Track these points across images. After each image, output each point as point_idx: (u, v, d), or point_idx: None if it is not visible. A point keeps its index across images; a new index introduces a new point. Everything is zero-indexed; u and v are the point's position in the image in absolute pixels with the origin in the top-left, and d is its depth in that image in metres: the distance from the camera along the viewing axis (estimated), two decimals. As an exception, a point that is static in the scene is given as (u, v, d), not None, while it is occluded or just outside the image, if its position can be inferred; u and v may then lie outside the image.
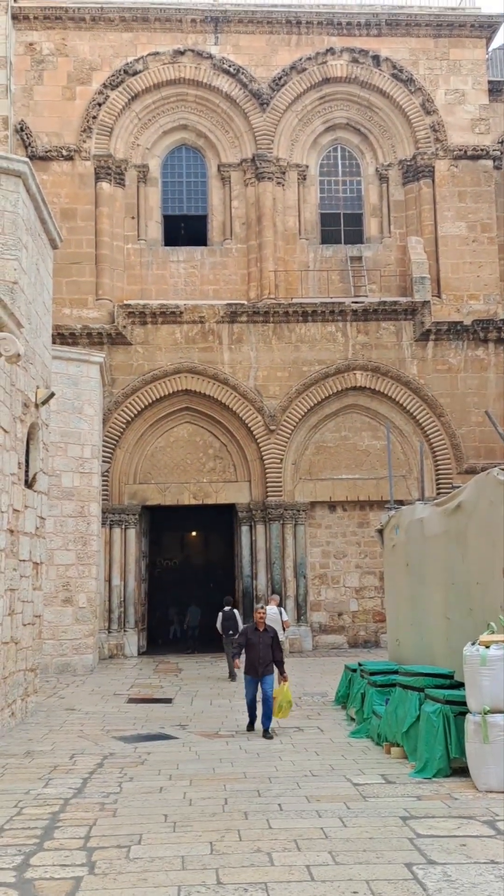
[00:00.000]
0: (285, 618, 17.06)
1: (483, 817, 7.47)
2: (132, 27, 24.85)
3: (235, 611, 19.30)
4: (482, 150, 25.35)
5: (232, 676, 18.42)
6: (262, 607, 12.67)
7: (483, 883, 5.86)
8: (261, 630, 12.33)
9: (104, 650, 22.42)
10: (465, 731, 8.68)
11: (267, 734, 11.78)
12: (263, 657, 12.13)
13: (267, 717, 11.91)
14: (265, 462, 23.84)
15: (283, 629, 16.95)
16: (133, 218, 24.90)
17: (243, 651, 12.41)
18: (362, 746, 10.87)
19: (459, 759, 8.89)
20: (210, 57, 24.94)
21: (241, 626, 19.59)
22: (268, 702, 11.94)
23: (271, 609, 16.84)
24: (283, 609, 17.35)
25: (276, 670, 12.27)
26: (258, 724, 12.22)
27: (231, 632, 18.62)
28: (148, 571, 26.00)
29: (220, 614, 19.23)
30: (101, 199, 24.34)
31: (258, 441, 23.88)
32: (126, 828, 7.39)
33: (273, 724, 12.13)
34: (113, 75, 24.63)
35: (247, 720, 12.54)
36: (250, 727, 12.33)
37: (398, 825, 7.27)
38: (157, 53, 24.82)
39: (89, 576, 19.89)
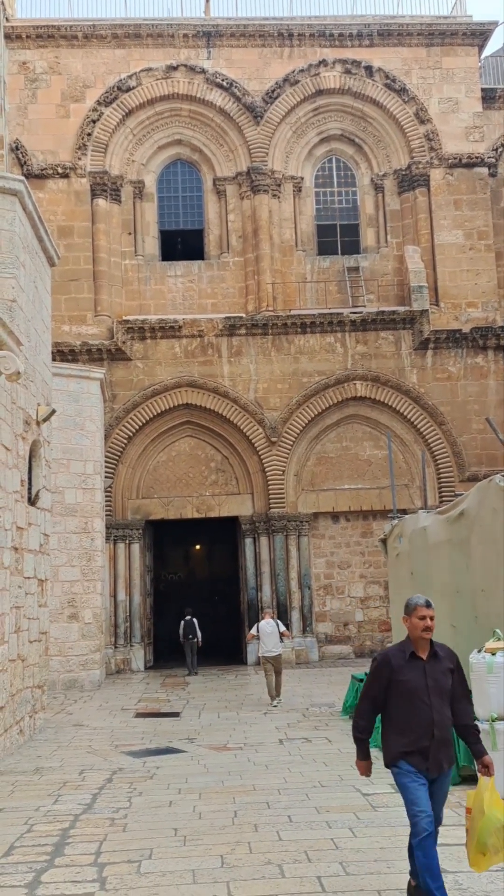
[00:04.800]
0: (282, 629, 16.80)
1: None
2: (124, 44, 25.01)
3: (195, 619, 22.27)
4: (477, 157, 25.46)
5: (190, 672, 21.61)
6: (425, 603, 5.69)
7: (496, 891, 5.86)
8: (424, 656, 5.60)
9: (111, 665, 22.39)
10: (474, 739, 8.64)
11: None
12: (441, 721, 5.46)
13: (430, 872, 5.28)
14: (267, 474, 23.84)
15: (282, 640, 16.78)
16: (130, 234, 24.99)
17: (370, 707, 5.71)
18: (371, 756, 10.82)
19: (468, 766, 8.88)
20: (203, 71, 25.08)
21: (198, 633, 21.94)
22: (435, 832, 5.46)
23: (268, 622, 16.75)
24: (279, 622, 17.10)
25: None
26: None
27: (191, 636, 22.03)
28: (153, 586, 25.97)
29: (182, 622, 22.34)
30: (98, 215, 24.44)
31: (260, 453, 23.90)
32: (136, 842, 7.39)
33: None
34: (106, 92, 24.76)
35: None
36: None
37: (408, 835, 7.25)
38: (149, 69, 24.97)
39: (94, 591, 19.89)
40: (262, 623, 16.87)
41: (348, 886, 6.09)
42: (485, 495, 10.64)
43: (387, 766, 5.61)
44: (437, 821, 5.57)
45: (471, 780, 8.79)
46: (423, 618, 5.64)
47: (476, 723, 5.69)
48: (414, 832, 5.42)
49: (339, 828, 7.55)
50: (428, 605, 5.71)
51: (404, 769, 5.49)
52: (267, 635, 16.45)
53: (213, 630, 27.58)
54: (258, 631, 16.75)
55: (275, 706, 15.70)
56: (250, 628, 23.45)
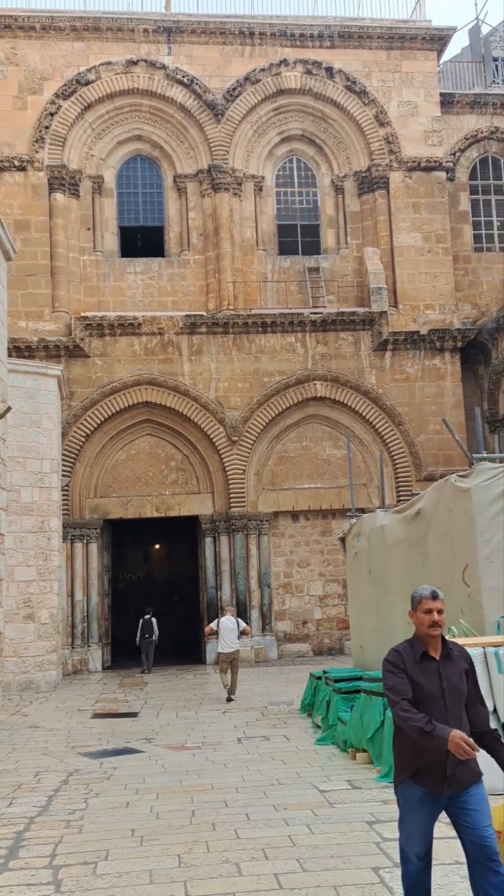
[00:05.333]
0: (243, 626, 16.96)
1: (447, 819, 7.47)
2: (83, 36, 24.79)
3: (153, 619, 22.23)
4: (435, 161, 25.67)
5: (146, 669, 21.79)
6: (431, 595, 4.86)
7: (448, 884, 5.88)
8: (437, 655, 4.83)
9: (68, 666, 22.19)
10: (430, 736, 8.68)
11: None
12: (457, 724, 4.66)
13: None
14: (228, 473, 23.81)
15: (240, 637, 16.90)
16: (89, 229, 24.78)
17: (410, 713, 4.58)
18: (328, 753, 10.86)
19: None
20: (163, 67, 24.96)
21: (156, 631, 22.02)
22: (494, 864, 4.56)
23: (229, 619, 16.84)
24: (239, 620, 17.27)
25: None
26: None
27: (147, 635, 22.00)
28: (111, 586, 25.80)
29: (141, 621, 22.22)
30: (56, 210, 24.19)
31: (220, 452, 23.85)
32: (93, 844, 7.31)
33: None
34: (65, 85, 24.52)
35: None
36: None
37: (365, 830, 7.28)
38: (109, 63, 24.77)
39: (51, 591, 19.69)
40: (222, 619, 16.93)
41: (305, 883, 6.07)
42: (441, 495, 10.74)
43: (395, 784, 4.85)
44: (490, 849, 4.60)
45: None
46: (429, 611, 4.80)
47: (496, 728, 4.83)
48: (403, 868, 4.81)
49: (296, 825, 7.54)
50: (434, 596, 4.84)
51: (409, 793, 4.74)
52: (227, 631, 16.51)
53: (172, 630, 27.49)
54: (218, 626, 16.79)
55: (230, 701, 15.71)
56: (208, 620, 23.51)
